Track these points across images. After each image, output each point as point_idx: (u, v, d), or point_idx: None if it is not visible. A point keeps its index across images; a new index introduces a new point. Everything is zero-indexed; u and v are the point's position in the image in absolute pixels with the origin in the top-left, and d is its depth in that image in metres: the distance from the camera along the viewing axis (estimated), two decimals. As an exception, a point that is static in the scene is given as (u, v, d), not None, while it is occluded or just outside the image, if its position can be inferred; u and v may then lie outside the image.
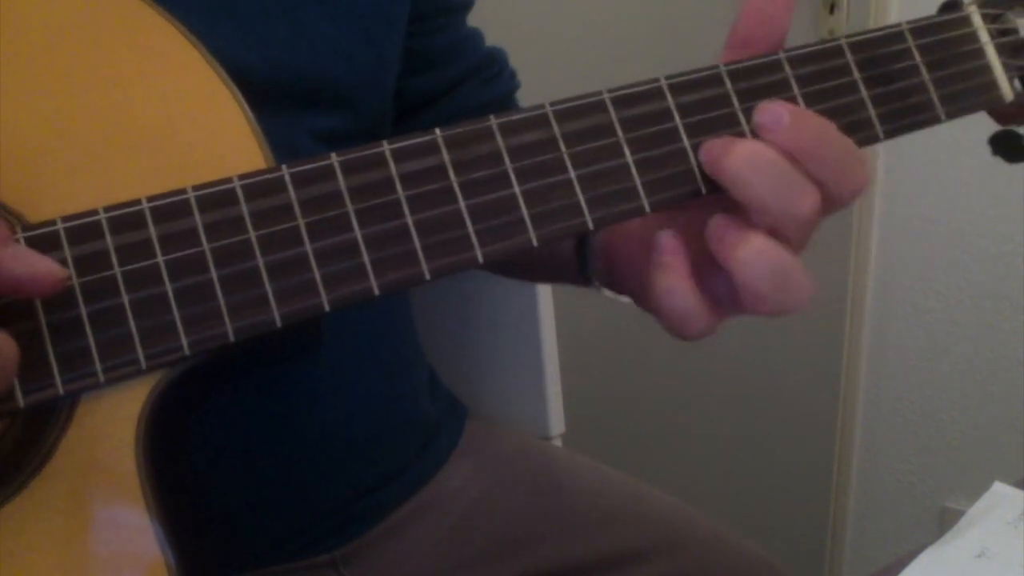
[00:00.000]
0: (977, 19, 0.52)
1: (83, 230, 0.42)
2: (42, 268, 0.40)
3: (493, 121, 0.46)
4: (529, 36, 1.63)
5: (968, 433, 1.52)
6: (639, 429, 1.73)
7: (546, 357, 0.88)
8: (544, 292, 0.86)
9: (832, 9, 1.40)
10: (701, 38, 1.52)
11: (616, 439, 1.62)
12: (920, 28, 0.51)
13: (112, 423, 0.42)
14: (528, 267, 0.71)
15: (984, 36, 0.52)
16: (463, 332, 0.90)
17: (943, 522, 1.55)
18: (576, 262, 0.59)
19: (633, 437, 1.73)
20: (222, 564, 0.60)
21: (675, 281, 0.46)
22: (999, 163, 0.60)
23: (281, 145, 0.46)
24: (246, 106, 0.46)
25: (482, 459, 0.75)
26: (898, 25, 0.51)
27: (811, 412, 1.59)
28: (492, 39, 0.77)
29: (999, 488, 0.56)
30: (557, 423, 0.89)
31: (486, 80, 0.74)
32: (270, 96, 0.47)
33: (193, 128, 0.45)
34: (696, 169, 0.47)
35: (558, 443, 0.90)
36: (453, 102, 0.72)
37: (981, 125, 0.56)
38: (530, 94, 0.77)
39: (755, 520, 1.53)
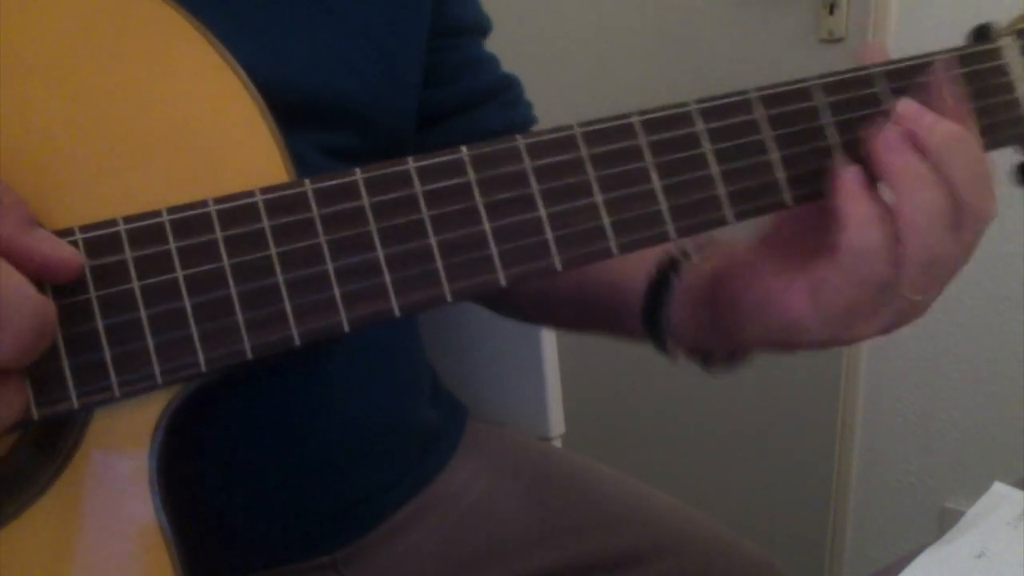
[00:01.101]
0: (1010, 52, 0.50)
1: (101, 241, 0.42)
2: (68, 252, 0.40)
3: (520, 141, 0.45)
4: (530, 42, 1.63)
5: (968, 433, 1.52)
6: (639, 429, 1.73)
7: (546, 357, 0.88)
8: (544, 292, 0.86)
9: (832, 10, 1.40)
10: (704, 42, 1.52)
11: (616, 439, 1.62)
12: (951, 60, 0.50)
13: (126, 437, 0.42)
14: (560, 307, 0.69)
15: (1018, 70, 0.50)
16: (464, 332, 0.90)
17: (943, 522, 1.55)
18: (643, 307, 0.57)
19: (633, 437, 1.73)
20: (222, 566, 0.60)
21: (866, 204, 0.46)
22: (999, 164, 0.59)
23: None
24: (269, 116, 0.45)
25: (482, 461, 0.75)
26: (930, 55, 0.50)
27: (811, 412, 1.59)
28: (495, 44, 0.77)
29: (999, 488, 0.55)
30: (557, 423, 0.89)
31: (505, 104, 0.73)
32: (281, 112, 0.46)
33: (215, 136, 0.45)
34: (724, 196, 0.47)
35: (558, 443, 0.90)
36: (471, 122, 0.71)
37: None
38: (534, 98, 0.77)
39: (755, 520, 1.53)
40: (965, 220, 0.46)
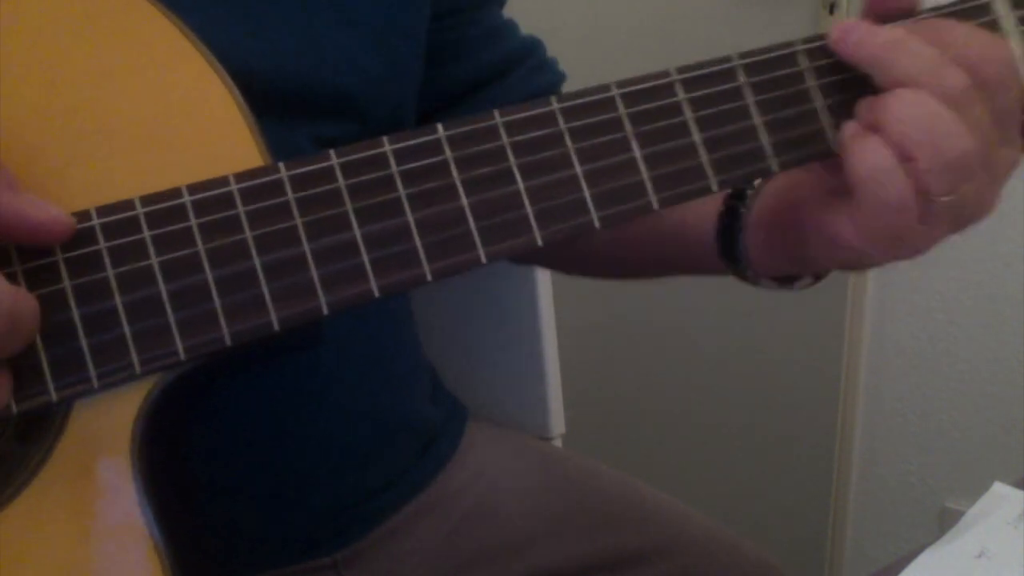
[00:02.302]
0: (1000, 7, 0.49)
1: (75, 232, 0.41)
2: (55, 214, 0.40)
3: (498, 119, 0.45)
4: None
5: (968, 433, 1.52)
6: (639, 429, 1.73)
7: (546, 357, 0.88)
8: (544, 291, 0.86)
9: (832, 9, 1.40)
10: (704, 42, 1.52)
11: (616, 439, 1.61)
12: (941, 14, 0.49)
13: (107, 428, 0.42)
14: (626, 253, 0.68)
15: (1007, 24, 0.49)
16: (463, 331, 0.90)
17: (943, 522, 1.55)
18: (720, 242, 0.56)
19: (633, 437, 1.73)
20: (222, 568, 0.60)
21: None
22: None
23: (282, 150, 0.45)
24: (242, 100, 0.45)
25: (482, 461, 0.75)
26: (920, 14, 0.49)
27: (811, 412, 1.59)
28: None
29: (999, 488, 0.55)
30: (557, 423, 0.89)
31: (532, 69, 0.72)
32: (277, 102, 0.46)
33: (188, 122, 0.45)
34: (706, 164, 0.47)
35: (558, 443, 0.90)
36: (502, 92, 0.70)
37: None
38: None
39: (755, 520, 1.53)
40: (963, 102, 0.45)
